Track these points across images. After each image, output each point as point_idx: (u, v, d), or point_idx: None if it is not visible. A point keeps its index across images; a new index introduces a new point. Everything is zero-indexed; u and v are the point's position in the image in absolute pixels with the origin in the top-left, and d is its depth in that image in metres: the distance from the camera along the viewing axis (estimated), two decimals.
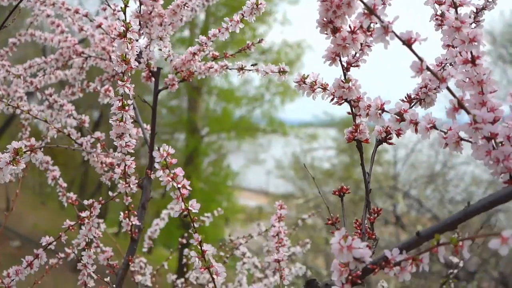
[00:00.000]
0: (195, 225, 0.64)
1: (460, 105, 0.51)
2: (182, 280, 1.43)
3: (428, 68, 0.50)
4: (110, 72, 1.16)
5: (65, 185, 1.10)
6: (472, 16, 0.67)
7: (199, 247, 0.64)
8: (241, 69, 0.94)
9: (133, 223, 0.97)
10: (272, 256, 0.91)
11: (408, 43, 0.51)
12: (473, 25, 0.68)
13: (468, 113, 0.51)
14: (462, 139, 0.54)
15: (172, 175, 0.61)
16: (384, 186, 6.84)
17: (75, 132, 1.01)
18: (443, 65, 0.68)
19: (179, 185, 0.61)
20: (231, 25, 0.88)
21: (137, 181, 0.92)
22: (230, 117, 11.88)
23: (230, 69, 0.97)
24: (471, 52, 0.53)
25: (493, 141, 0.52)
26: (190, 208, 0.62)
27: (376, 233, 0.63)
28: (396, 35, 0.50)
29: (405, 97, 0.68)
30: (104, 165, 1.02)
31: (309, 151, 8.38)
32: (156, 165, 0.60)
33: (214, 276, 0.64)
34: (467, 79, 0.54)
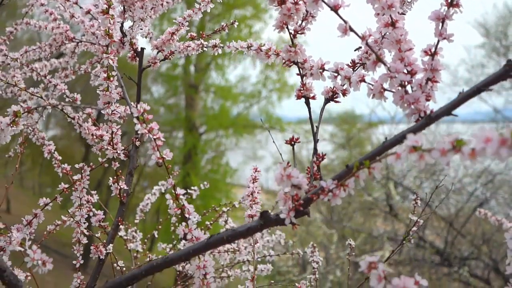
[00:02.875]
0: (169, 173, 0.75)
1: (378, 59, 0.62)
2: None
3: (351, 29, 0.61)
4: (100, 55, 1.26)
5: (60, 158, 1.21)
6: None
7: (173, 191, 0.75)
8: (214, 46, 1.05)
9: (122, 187, 1.08)
10: (246, 212, 1.01)
11: (335, 8, 0.62)
12: None
13: (385, 65, 0.62)
14: (385, 89, 0.66)
15: (148, 128, 0.72)
16: (380, 179, 6.96)
17: (69, 108, 1.12)
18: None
19: (155, 137, 0.72)
20: (203, 5, 0.99)
21: (123, 148, 1.03)
22: (228, 115, 11.97)
23: (205, 47, 1.07)
24: (390, 16, 0.64)
25: (409, 88, 0.64)
26: (164, 156, 0.73)
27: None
28: (324, 2, 0.61)
29: (350, 62, 0.79)
30: (94, 137, 1.13)
31: (306, 143, 8.47)
32: (135, 120, 0.71)
33: (187, 215, 0.75)
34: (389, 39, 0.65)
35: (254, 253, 0.95)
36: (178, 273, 1.40)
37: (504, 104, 8.83)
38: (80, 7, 1.20)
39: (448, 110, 0.58)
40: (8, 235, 0.75)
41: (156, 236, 1.55)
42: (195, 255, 0.70)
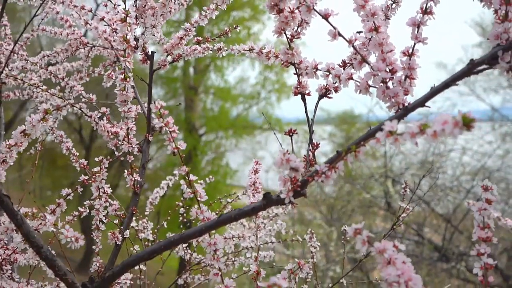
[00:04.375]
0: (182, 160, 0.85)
1: (363, 59, 0.73)
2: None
3: (339, 34, 0.72)
4: (112, 58, 1.37)
5: (77, 154, 1.31)
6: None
7: (187, 177, 0.86)
8: (219, 49, 1.15)
9: (136, 179, 1.18)
10: (249, 200, 1.12)
11: (326, 17, 0.72)
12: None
13: (369, 64, 0.73)
14: (369, 85, 0.76)
15: (165, 122, 0.82)
16: (378, 177, 7.06)
17: (85, 106, 1.23)
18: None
19: (171, 130, 0.83)
20: (208, 12, 1.10)
21: (138, 143, 1.13)
22: (227, 116, 12.06)
23: (211, 50, 1.18)
24: (374, 22, 0.75)
25: (390, 84, 0.74)
26: (179, 146, 0.84)
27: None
28: (317, 12, 0.72)
29: (341, 63, 0.90)
30: (109, 134, 1.23)
31: (305, 143, 8.56)
32: (153, 115, 0.82)
33: (199, 198, 0.85)
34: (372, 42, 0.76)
35: (257, 230, 1.05)
36: (186, 261, 1.50)
37: (501, 102, 8.93)
38: (94, 15, 1.30)
39: (421, 102, 0.69)
40: (42, 217, 0.85)
41: (166, 226, 1.65)
42: (207, 232, 0.80)
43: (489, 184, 0.73)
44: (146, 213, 1.62)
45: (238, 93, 12.44)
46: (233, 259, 1.47)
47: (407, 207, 1.27)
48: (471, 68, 0.66)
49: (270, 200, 0.77)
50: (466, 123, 0.49)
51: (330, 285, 1.62)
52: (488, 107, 8.73)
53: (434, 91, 0.68)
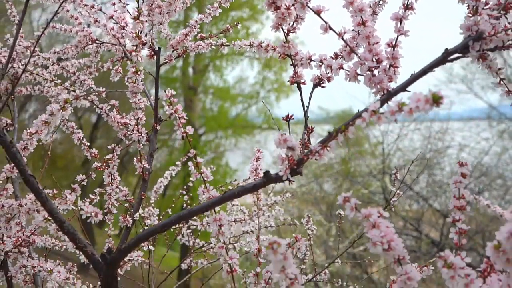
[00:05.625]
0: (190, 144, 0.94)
1: (351, 50, 0.82)
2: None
3: (330, 28, 0.81)
4: (120, 54, 1.46)
5: (88, 143, 1.40)
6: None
7: (194, 160, 0.94)
8: (222, 45, 1.24)
9: (144, 166, 1.27)
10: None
11: (318, 12, 0.81)
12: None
13: (357, 55, 0.81)
14: (358, 74, 0.85)
15: (174, 108, 0.91)
16: (376, 173, 7.15)
17: (96, 98, 1.31)
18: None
19: (179, 116, 0.92)
20: (212, 10, 1.19)
21: (146, 132, 1.22)
22: (227, 116, 12.15)
23: (214, 46, 1.27)
24: (361, 17, 0.83)
25: (377, 72, 0.83)
26: (187, 131, 0.93)
27: None
28: (310, 8, 0.81)
29: (333, 54, 0.98)
30: (119, 124, 1.32)
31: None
32: (163, 103, 0.90)
33: (205, 178, 0.94)
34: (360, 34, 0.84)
35: (258, 208, 1.14)
36: (190, 246, 1.59)
37: (499, 100, 9.02)
38: (104, 13, 1.39)
39: (403, 87, 0.78)
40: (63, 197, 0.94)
41: (170, 213, 1.74)
42: (213, 207, 0.89)
43: (464, 160, 0.82)
44: (151, 201, 1.71)
45: (237, 93, 12.52)
46: (234, 243, 1.55)
47: (398, 192, 1.36)
48: (446, 57, 0.75)
49: (269, 177, 0.86)
50: (435, 100, 0.58)
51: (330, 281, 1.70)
52: (485, 105, 8.83)
53: (414, 78, 0.77)
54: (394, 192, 1.38)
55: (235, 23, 1.29)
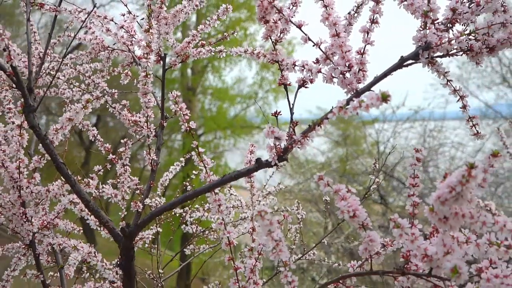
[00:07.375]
0: (196, 144, 1.11)
1: (327, 57, 0.99)
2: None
3: (309, 39, 0.98)
4: (129, 60, 1.63)
5: (102, 139, 1.57)
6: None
7: (197, 150, 1.12)
8: (220, 51, 1.42)
9: (153, 158, 1.45)
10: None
11: (299, 26, 0.99)
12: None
13: (331, 61, 0.99)
14: (333, 76, 1.02)
15: (179, 107, 1.08)
16: (371, 171, 7.32)
17: (110, 99, 1.49)
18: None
19: (184, 113, 1.09)
20: (212, 22, 1.37)
21: (154, 128, 1.39)
22: (225, 116, 12.30)
23: (213, 52, 1.45)
24: (335, 30, 1.01)
25: (348, 75, 1.00)
26: (190, 125, 1.10)
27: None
28: (292, 23, 0.98)
29: (315, 59, 1.16)
30: (130, 121, 1.49)
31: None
32: (170, 101, 1.08)
33: (206, 165, 1.12)
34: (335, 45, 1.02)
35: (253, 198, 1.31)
36: (192, 233, 1.76)
37: (495, 99, 9.18)
38: (115, 23, 1.57)
39: (368, 87, 0.95)
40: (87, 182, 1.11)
41: None
42: (214, 188, 1.06)
43: (419, 148, 1.00)
44: (158, 192, 1.88)
45: (235, 93, 12.67)
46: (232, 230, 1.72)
47: (378, 179, 1.53)
48: (401, 62, 0.93)
49: (261, 163, 1.04)
50: (384, 97, 0.76)
51: (327, 278, 1.86)
52: (482, 104, 9.00)
53: (376, 80, 0.94)
54: (373, 180, 1.54)
55: (232, 31, 1.46)
